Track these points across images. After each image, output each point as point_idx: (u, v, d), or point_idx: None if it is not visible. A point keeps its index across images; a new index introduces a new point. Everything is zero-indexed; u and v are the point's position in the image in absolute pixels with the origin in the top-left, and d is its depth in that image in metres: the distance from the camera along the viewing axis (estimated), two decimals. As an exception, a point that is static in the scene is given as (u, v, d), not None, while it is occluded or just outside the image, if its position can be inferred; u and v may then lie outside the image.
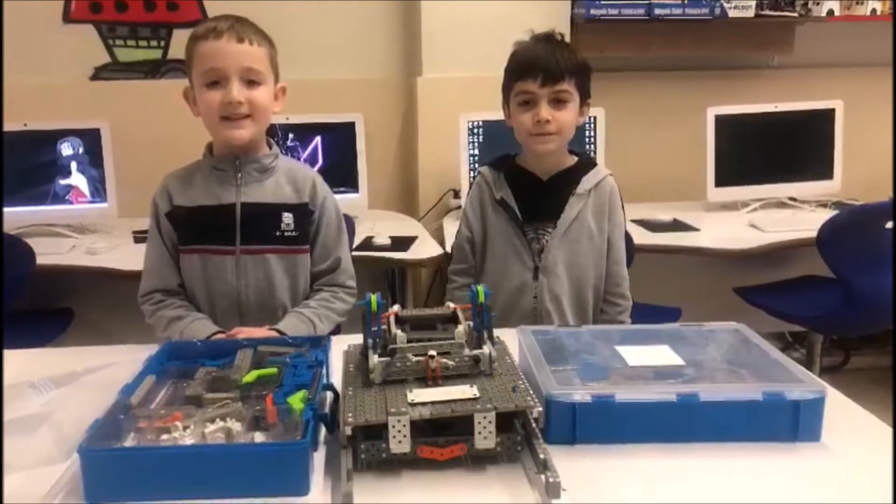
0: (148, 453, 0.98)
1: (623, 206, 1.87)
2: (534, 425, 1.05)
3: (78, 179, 2.79)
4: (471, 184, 1.90)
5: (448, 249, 2.47)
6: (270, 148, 1.67)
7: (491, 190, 1.83)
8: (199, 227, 1.61)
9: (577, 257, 1.80)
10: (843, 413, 1.18)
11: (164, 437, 1.01)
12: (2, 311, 2.08)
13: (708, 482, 1.01)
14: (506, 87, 1.80)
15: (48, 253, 2.48)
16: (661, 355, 1.24)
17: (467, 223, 1.88)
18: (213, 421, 1.03)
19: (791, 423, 1.08)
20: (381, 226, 2.73)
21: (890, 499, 0.97)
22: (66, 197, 2.79)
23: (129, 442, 1.01)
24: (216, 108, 1.54)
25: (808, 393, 1.09)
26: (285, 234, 1.62)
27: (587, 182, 1.80)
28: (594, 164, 1.86)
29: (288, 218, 1.63)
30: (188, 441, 0.99)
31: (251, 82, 1.55)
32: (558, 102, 1.72)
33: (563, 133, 1.75)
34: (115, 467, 0.95)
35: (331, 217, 1.69)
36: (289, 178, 1.66)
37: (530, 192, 1.81)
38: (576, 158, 1.85)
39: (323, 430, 1.12)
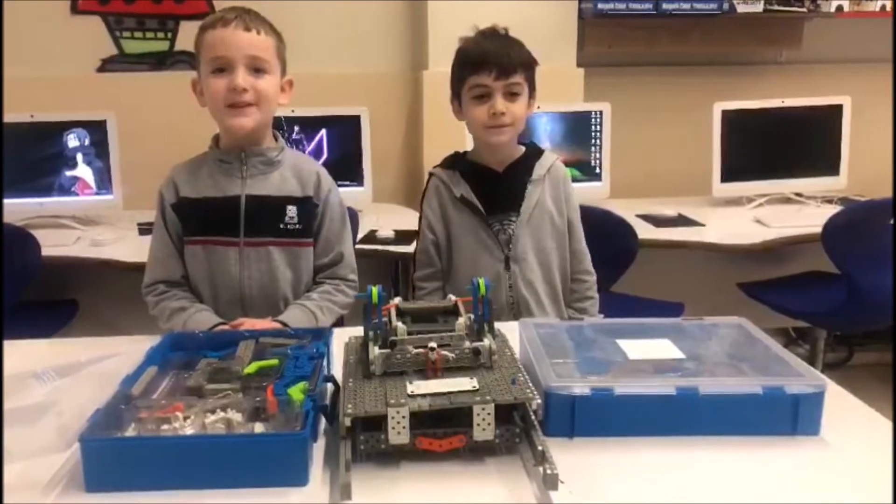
0: (148, 443, 0.98)
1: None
2: (533, 418, 1.05)
3: (84, 171, 2.80)
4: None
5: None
6: (276, 140, 1.68)
7: (450, 189, 1.84)
8: (204, 218, 1.62)
9: (543, 242, 1.84)
10: (843, 407, 1.18)
11: (165, 427, 1.01)
12: (2, 302, 2.09)
13: (707, 475, 1.01)
14: (456, 81, 1.81)
15: (54, 245, 2.49)
16: (662, 349, 1.24)
17: (429, 226, 1.88)
18: (213, 411, 1.04)
19: (790, 417, 1.08)
20: (385, 219, 2.74)
21: (887, 492, 0.97)
22: (72, 188, 2.80)
23: (130, 432, 1.02)
24: (221, 96, 1.54)
25: (807, 387, 1.08)
26: (289, 227, 1.63)
27: (540, 168, 1.85)
28: (541, 151, 1.90)
29: (292, 211, 1.63)
30: (188, 431, 1.00)
31: (257, 70, 1.56)
32: (511, 95, 1.76)
33: (516, 124, 1.79)
34: (115, 457, 0.96)
35: (334, 211, 1.69)
36: (294, 171, 1.66)
37: (488, 184, 1.84)
38: (523, 148, 1.88)
39: (323, 422, 1.12)
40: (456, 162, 1.88)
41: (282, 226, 1.63)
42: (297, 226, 1.64)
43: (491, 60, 1.73)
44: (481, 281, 1.18)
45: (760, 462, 1.03)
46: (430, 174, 1.91)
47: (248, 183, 1.62)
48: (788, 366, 1.16)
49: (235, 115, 1.56)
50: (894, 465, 0.99)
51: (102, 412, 1.02)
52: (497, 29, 1.83)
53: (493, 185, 1.84)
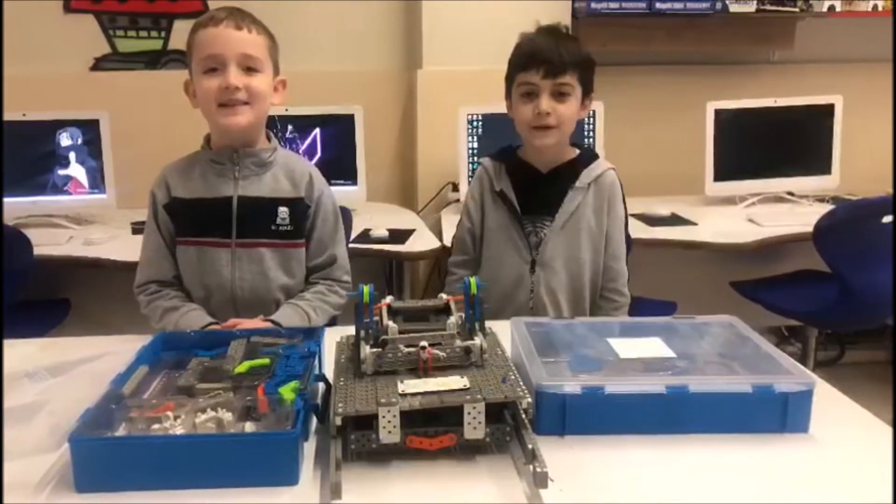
0: (138, 443, 0.98)
1: (625, 201, 1.87)
2: (523, 416, 1.05)
3: (77, 170, 2.79)
4: (471, 176, 1.90)
5: (446, 243, 2.47)
6: (269, 141, 1.67)
7: (492, 181, 1.83)
8: (196, 219, 1.62)
9: (575, 251, 1.79)
10: (832, 405, 1.18)
11: (156, 426, 1.01)
12: (2, 304, 2.08)
13: (696, 473, 1.02)
14: (508, 78, 1.79)
15: (46, 244, 2.48)
16: (653, 348, 1.25)
17: (468, 215, 1.87)
18: (204, 411, 1.04)
19: (780, 415, 1.09)
20: (379, 218, 2.73)
21: (876, 490, 0.97)
22: (65, 188, 2.79)
23: (120, 432, 1.02)
24: (214, 95, 1.54)
25: (796, 385, 1.09)
26: (280, 228, 1.63)
27: (587, 176, 1.79)
28: (595, 158, 1.84)
29: (284, 212, 1.63)
30: (179, 431, 1.00)
31: (249, 69, 1.56)
32: (560, 95, 1.71)
33: (562, 127, 1.74)
34: (105, 457, 0.95)
35: (327, 212, 1.69)
36: (286, 172, 1.66)
37: (529, 184, 1.81)
38: (577, 151, 1.84)
39: (314, 421, 1.12)
40: (505, 155, 1.85)
41: (273, 227, 1.63)
42: (289, 227, 1.64)
43: (539, 58, 1.69)
44: (472, 280, 1.18)
45: (750, 460, 1.04)
46: (480, 163, 1.90)
47: (240, 184, 1.62)
48: (778, 364, 1.16)
49: (228, 115, 1.55)
50: (894, 466, 0.99)
51: (92, 412, 1.02)
52: (556, 26, 1.78)
53: (534, 186, 1.81)
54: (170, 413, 1.02)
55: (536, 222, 1.81)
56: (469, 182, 2.61)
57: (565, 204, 1.78)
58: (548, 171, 1.81)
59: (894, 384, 2.78)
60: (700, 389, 1.08)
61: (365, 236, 2.57)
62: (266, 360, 1.21)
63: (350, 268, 1.75)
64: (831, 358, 3.38)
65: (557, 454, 1.01)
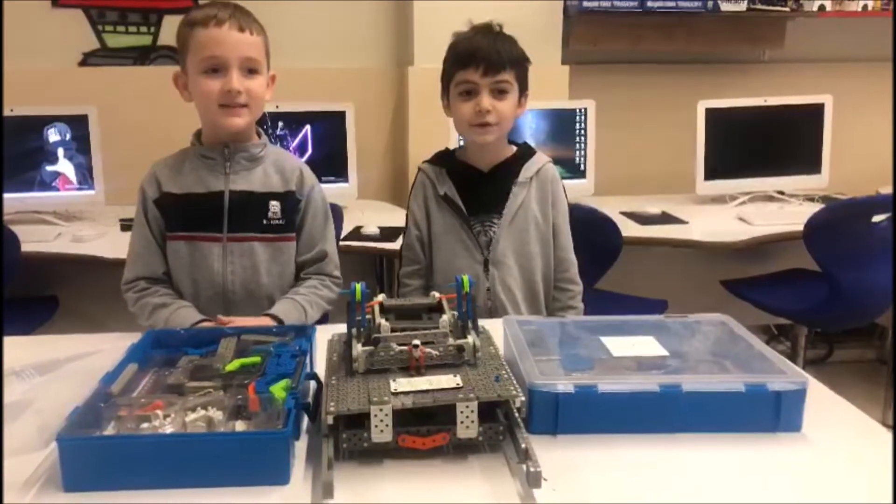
0: (126, 442, 0.97)
1: (565, 193, 1.88)
2: (516, 415, 1.04)
3: (65, 166, 2.77)
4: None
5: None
6: (259, 137, 1.67)
7: (434, 186, 1.83)
8: (187, 214, 1.61)
9: (525, 246, 1.81)
10: (824, 404, 1.18)
11: (145, 425, 1.00)
12: (1, 302, 2.06)
13: (690, 472, 1.01)
14: (446, 77, 1.79)
15: (34, 241, 2.47)
16: (646, 346, 1.24)
17: (415, 223, 1.86)
18: (194, 409, 1.02)
19: (772, 414, 1.09)
20: (369, 216, 2.73)
21: (868, 488, 0.98)
22: (53, 184, 2.77)
23: (109, 431, 1.00)
24: (215, 96, 1.54)
25: (789, 384, 1.09)
26: (272, 222, 1.63)
27: (528, 170, 1.81)
28: (533, 153, 1.86)
29: (275, 206, 1.63)
30: (168, 430, 0.99)
31: (250, 71, 1.56)
32: (499, 93, 1.73)
33: (502, 124, 1.75)
34: (93, 456, 0.94)
35: (317, 207, 1.69)
36: (277, 167, 1.66)
37: (473, 184, 1.82)
38: (515, 148, 1.85)
39: (306, 420, 1.12)
40: (443, 159, 1.86)
41: (265, 221, 1.62)
42: (280, 221, 1.63)
43: (479, 56, 1.70)
44: (465, 278, 1.18)
45: (743, 458, 1.04)
46: (419, 169, 1.89)
47: (231, 178, 1.61)
48: (770, 363, 1.16)
49: (229, 116, 1.56)
50: (894, 466, 0.99)
51: (81, 410, 1.00)
52: (491, 25, 1.79)
53: (478, 186, 1.82)
54: (159, 412, 1.01)
55: (485, 221, 1.81)
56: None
57: (511, 200, 1.79)
58: (489, 170, 1.82)
59: (895, 386, 2.80)
60: (693, 388, 1.08)
61: (356, 233, 2.56)
62: (257, 359, 1.20)
63: (340, 264, 1.74)
64: (820, 356, 3.40)
65: (550, 453, 1.01)
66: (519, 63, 1.75)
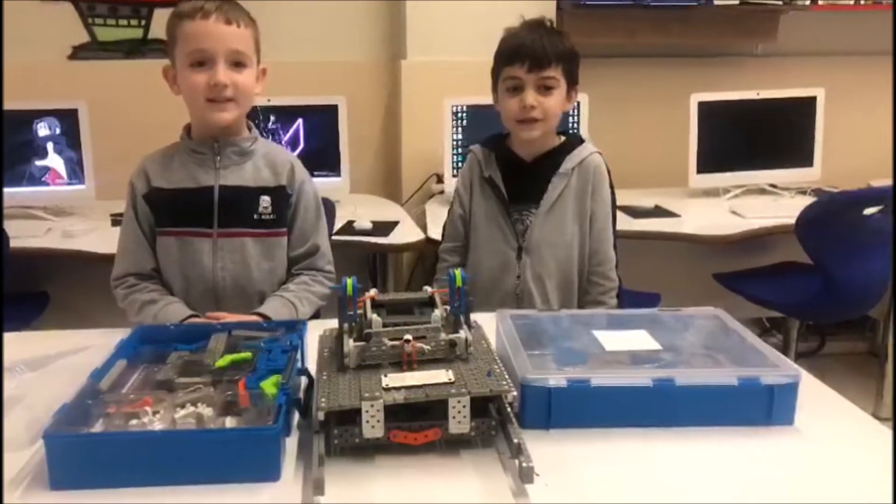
0: (113, 439, 0.96)
1: (612, 186, 1.87)
2: (508, 410, 1.04)
3: (55, 161, 2.74)
4: (455, 167, 1.89)
5: (430, 235, 2.46)
6: (250, 131, 1.66)
7: (481, 167, 1.84)
8: (177, 209, 1.60)
9: (561, 237, 1.80)
10: (816, 397, 1.18)
11: (133, 422, 0.99)
12: (1, 301, 2.04)
13: (683, 466, 1.01)
14: (495, 72, 1.80)
15: (23, 236, 2.45)
16: (639, 340, 1.24)
17: (460, 201, 1.88)
18: (183, 406, 1.02)
19: (765, 408, 1.08)
20: (362, 210, 2.71)
21: (860, 480, 0.98)
22: (43, 178, 2.74)
23: (97, 427, 1.00)
24: (201, 90, 1.52)
25: (782, 377, 1.09)
26: (263, 217, 1.62)
27: (570, 161, 1.80)
28: (580, 143, 1.85)
29: (266, 201, 1.62)
30: (157, 426, 0.98)
31: (237, 64, 1.54)
32: (545, 89, 1.73)
33: (548, 119, 1.75)
34: (81, 453, 0.93)
35: (308, 201, 1.68)
36: (267, 161, 1.65)
37: (515, 173, 1.82)
38: (562, 139, 1.85)
39: (297, 416, 1.11)
40: (494, 143, 1.86)
41: (256, 216, 1.61)
42: (271, 216, 1.62)
43: (524, 52, 1.70)
44: (458, 272, 1.17)
45: (736, 452, 1.04)
46: (470, 150, 1.91)
47: (221, 173, 1.60)
48: (763, 356, 1.16)
49: (216, 110, 1.54)
50: (894, 466, 0.99)
51: (68, 407, 0.99)
52: (541, 20, 1.79)
53: (520, 174, 1.82)
54: (148, 408, 1.01)
55: (523, 210, 1.82)
56: (455, 171, 2.61)
57: (549, 191, 1.79)
58: (532, 160, 1.82)
59: (895, 382, 2.81)
60: (686, 382, 1.08)
61: (348, 228, 2.55)
62: (247, 354, 1.19)
63: (333, 259, 1.73)
64: (812, 349, 3.40)
65: (543, 448, 1.00)
66: (566, 58, 1.74)
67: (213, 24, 1.51)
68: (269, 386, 1.06)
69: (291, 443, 1.06)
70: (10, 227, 2.35)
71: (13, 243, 2.33)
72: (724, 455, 1.03)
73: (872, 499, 0.94)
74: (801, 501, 0.94)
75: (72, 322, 1.86)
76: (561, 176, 1.79)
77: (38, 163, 2.73)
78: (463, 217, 1.88)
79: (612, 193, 1.86)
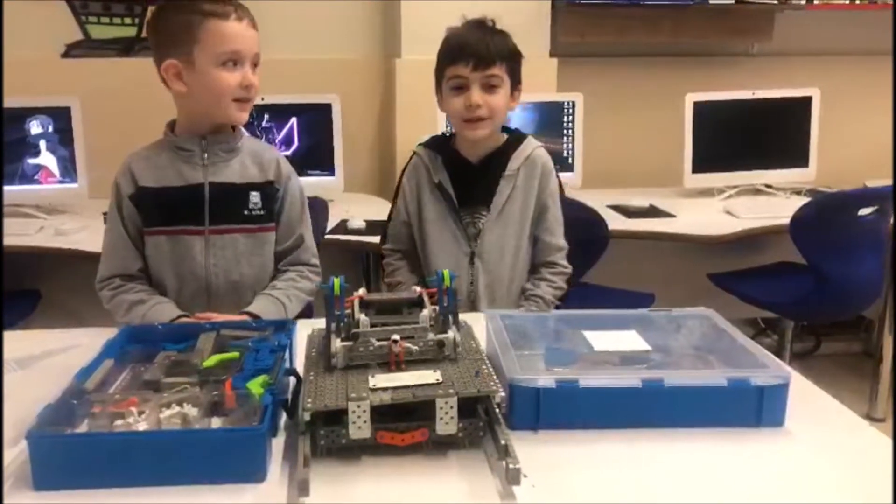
0: (97, 440, 0.95)
1: (558, 176, 1.87)
2: (497, 411, 1.03)
3: (47, 159, 2.73)
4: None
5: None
6: (234, 128, 1.65)
7: (429, 172, 1.82)
8: (167, 208, 1.59)
9: (512, 240, 1.80)
10: (807, 399, 1.18)
11: (119, 422, 0.98)
12: (1, 298, 2.03)
13: (672, 467, 1.00)
14: (438, 72, 1.79)
15: (15, 234, 2.44)
16: (629, 341, 1.24)
17: (405, 204, 1.86)
18: (169, 406, 1.01)
19: (755, 409, 1.08)
20: (356, 209, 2.71)
21: (848, 482, 0.97)
22: (35, 177, 2.73)
23: (82, 428, 0.99)
24: (231, 90, 1.53)
25: (771, 378, 1.08)
26: (253, 213, 1.62)
27: (515, 161, 1.79)
28: (523, 139, 1.83)
29: (255, 197, 1.62)
30: (142, 427, 0.97)
31: (254, 66, 1.58)
32: (489, 87, 1.72)
33: (494, 118, 1.74)
34: (64, 454, 0.92)
35: (294, 196, 1.68)
36: (254, 158, 1.65)
37: (463, 175, 1.81)
38: (505, 136, 1.83)
39: (284, 416, 1.10)
40: (439, 145, 1.85)
41: (246, 212, 1.61)
42: (261, 211, 1.62)
43: (469, 51, 1.70)
44: (446, 272, 1.16)
45: (725, 453, 1.03)
46: (415, 152, 1.88)
47: (209, 170, 1.60)
48: (753, 357, 1.16)
49: (240, 110, 1.57)
50: (894, 466, 0.98)
51: (53, 407, 0.99)
52: (483, 20, 1.78)
53: (468, 177, 1.81)
54: (133, 408, 1.00)
55: (474, 213, 1.81)
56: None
57: (498, 194, 1.78)
58: (478, 162, 1.81)
59: (894, 383, 2.81)
60: (675, 383, 1.07)
61: (342, 227, 2.54)
62: (235, 354, 1.18)
63: (323, 257, 1.73)
64: (807, 349, 3.40)
65: (531, 449, 1.00)
66: (510, 57, 1.74)
67: (244, 28, 1.54)
68: (255, 386, 1.05)
69: (278, 443, 1.05)
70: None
71: (5, 241, 2.32)
72: (713, 457, 1.03)
73: (862, 502, 0.94)
74: (789, 502, 0.93)
75: (63, 321, 1.85)
76: (508, 178, 1.78)
77: (31, 161, 2.72)
78: (406, 223, 1.86)
79: (560, 185, 1.87)
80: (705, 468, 1.00)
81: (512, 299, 1.83)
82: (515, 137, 1.84)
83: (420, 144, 1.89)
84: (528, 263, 1.83)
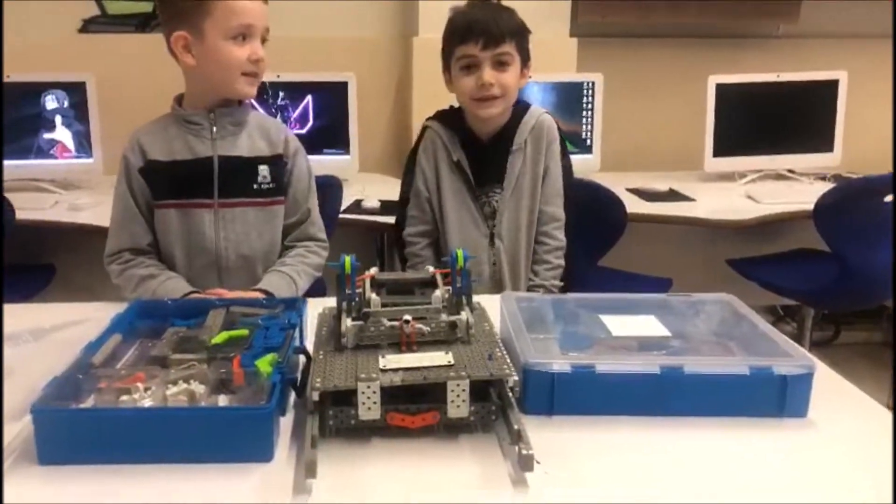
0: (102, 415, 0.93)
1: (563, 142, 1.84)
2: (510, 395, 1.01)
3: (63, 134, 2.73)
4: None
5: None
6: (240, 102, 1.63)
7: (447, 149, 1.79)
8: (177, 181, 1.57)
9: (527, 215, 1.78)
10: (830, 388, 1.14)
11: (124, 398, 0.96)
12: (2, 280, 2.03)
13: (689, 457, 0.97)
14: (445, 52, 1.76)
15: (31, 208, 2.44)
16: (647, 326, 1.20)
17: (424, 181, 1.82)
18: (175, 383, 0.99)
19: (777, 399, 1.04)
20: (370, 189, 2.68)
21: (875, 475, 0.94)
22: (51, 151, 2.73)
23: (88, 403, 0.97)
24: (241, 63, 1.52)
25: (796, 368, 1.04)
26: (262, 186, 1.60)
27: (521, 133, 1.77)
28: (526, 109, 1.80)
29: (264, 170, 1.60)
30: (148, 403, 0.95)
31: (263, 41, 1.56)
32: (500, 65, 1.70)
33: (506, 96, 1.72)
34: (69, 428, 0.91)
35: (302, 170, 1.67)
36: (261, 131, 1.63)
37: (475, 153, 1.79)
38: (510, 110, 1.80)
39: (293, 395, 1.08)
40: (454, 122, 1.81)
41: (255, 186, 1.60)
42: (270, 185, 1.61)
43: (478, 29, 1.67)
44: (459, 252, 1.13)
45: (745, 444, 1.00)
46: (427, 126, 1.84)
47: (218, 144, 1.58)
48: (776, 345, 1.12)
49: (249, 84, 1.56)
50: (894, 458, 0.95)
51: (59, 381, 0.97)
52: None
53: (480, 155, 1.79)
54: (140, 384, 0.98)
55: (488, 192, 1.79)
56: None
57: (509, 170, 1.77)
58: (489, 139, 1.79)
59: (894, 369, 2.76)
60: (695, 371, 1.04)
61: (356, 207, 2.52)
62: (244, 331, 1.16)
63: (336, 238, 1.73)
64: (826, 338, 3.35)
65: (544, 434, 0.97)
66: (519, 33, 1.72)
67: (256, 1, 1.52)
68: (264, 364, 1.03)
69: (286, 423, 1.03)
70: (17, 199, 2.33)
71: (20, 215, 2.32)
72: (732, 447, 0.99)
73: (888, 495, 0.90)
74: (813, 496, 0.90)
75: (77, 295, 1.84)
76: (516, 153, 1.77)
77: (46, 135, 2.72)
78: (429, 200, 1.82)
79: (566, 153, 1.84)
80: (725, 458, 0.97)
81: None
82: (520, 109, 1.81)
83: (431, 119, 1.86)
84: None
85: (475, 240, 1.78)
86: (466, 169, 1.77)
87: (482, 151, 1.78)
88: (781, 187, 2.85)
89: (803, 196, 2.57)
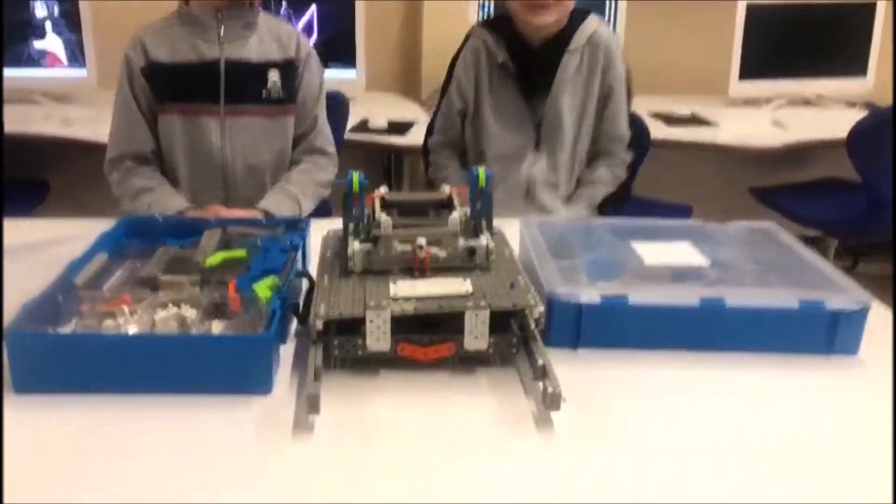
0: (80, 340, 0.85)
1: (624, 58, 1.74)
2: (533, 327, 0.91)
3: (53, 42, 2.58)
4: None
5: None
6: (251, 3, 1.49)
7: (491, 53, 1.69)
8: (180, 84, 1.48)
9: (573, 127, 1.70)
10: (882, 326, 1.04)
11: (108, 322, 0.87)
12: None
13: (730, 395, 0.89)
14: None
15: (20, 121, 2.33)
16: (682, 254, 1.10)
17: (460, 91, 1.74)
18: (165, 307, 0.90)
19: (827, 335, 0.95)
20: (378, 108, 2.56)
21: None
22: (42, 61, 2.59)
23: (69, 327, 0.88)
24: None
25: (850, 303, 0.95)
26: (272, 93, 1.51)
27: (579, 38, 1.67)
28: (586, 15, 1.69)
29: (274, 75, 1.50)
30: (133, 329, 0.86)
31: None
32: None
33: (563, 2, 1.60)
34: (45, 354, 0.82)
35: (313, 74, 1.57)
36: (272, 34, 1.52)
37: (523, 58, 1.68)
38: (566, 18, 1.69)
39: (294, 322, 0.99)
40: (502, 26, 1.70)
41: (264, 92, 1.50)
42: (281, 93, 1.51)
43: None
44: (482, 171, 1.02)
45: (790, 382, 0.92)
46: (471, 33, 1.74)
47: (225, 47, 1.46)
48: (826, 278, 1.02)
49: None
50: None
51: (36, 302, 0.88)
52: None
53: (528, 60, 1.68)
54: (125, 308, 0.89)
55: (534, 97, 1.69)
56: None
57: (560, 72, 1.67)
58: (539, 45, 1.68)
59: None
60: (739, 304, 0.94)
61: (363, 126, 2.41)
62: (242, 253, 1.06)
63: (341, 158, 1.63)
64: (844, 269, 3.25)
65: (569, 370, 0.88)
66: None
67: None
68: (262, 288, 0.94)
69: (286, 353, 0.94)
70: (7, 111, 2.21)
71: (10, 128, 2.20)
72: (776, 385, 0.91)
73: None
74: (861, 438, 0.82)
75: (71, 212, 1.75)
76: (571, 53, 1.66)
77: (37, 44, 2.57)
78: (462, 111, 1.74)
79: (628, 72, 1.75)
80: (768, 397, 0.88)
81: (571, 188, 1.75)
82: (577, 14, 1.69)
83: (477, 24, 1.75)
84: (588, 147, 1.75)
85: (519, 145, 1.70)
86: (512, 71, 1.67)
87: (532, 56, 1.68)
88: (810, 114, 2.72)
89: (832, 124, 2.45)
